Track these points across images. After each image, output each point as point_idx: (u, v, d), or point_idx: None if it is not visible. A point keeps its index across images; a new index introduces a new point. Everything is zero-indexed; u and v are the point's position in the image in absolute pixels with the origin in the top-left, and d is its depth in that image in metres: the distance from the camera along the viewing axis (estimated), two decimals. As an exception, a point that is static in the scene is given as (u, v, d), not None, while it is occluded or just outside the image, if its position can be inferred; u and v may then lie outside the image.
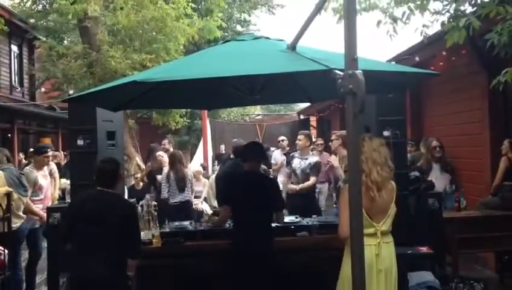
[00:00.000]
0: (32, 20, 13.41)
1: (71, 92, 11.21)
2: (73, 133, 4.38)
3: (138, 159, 10.37)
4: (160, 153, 7.16)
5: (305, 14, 2.43)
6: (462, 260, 4.99)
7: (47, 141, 14.31)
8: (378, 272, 2.88)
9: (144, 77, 2.81)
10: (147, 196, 4.89)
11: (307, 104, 13.84)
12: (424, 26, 4.55)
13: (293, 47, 2.85)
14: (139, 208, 4.42)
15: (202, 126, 12.66)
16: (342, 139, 5.41)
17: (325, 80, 2.47)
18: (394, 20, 4.60)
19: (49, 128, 15.37)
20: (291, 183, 5.94)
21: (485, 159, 5.86)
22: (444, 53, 5.91)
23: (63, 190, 6.15)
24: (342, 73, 1.57)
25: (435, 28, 4.75)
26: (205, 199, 7.48)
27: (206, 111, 11.26)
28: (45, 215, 4.61)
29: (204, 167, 9.62)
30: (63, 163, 8.98)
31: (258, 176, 3.93)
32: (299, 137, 5.98)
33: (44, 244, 4.92)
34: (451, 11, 4.35)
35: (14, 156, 10.89)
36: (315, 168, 5.76)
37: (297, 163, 5.84)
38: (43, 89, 15.70)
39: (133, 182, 7.65)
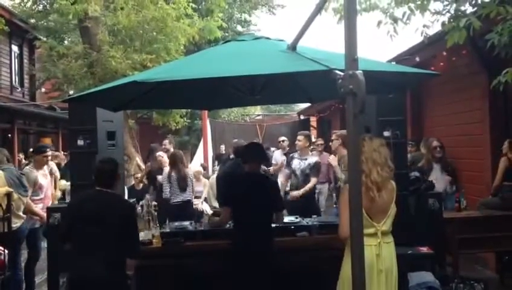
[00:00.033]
0: (32, 20, 13.43)
1: (71, 92, 11.21)
2: (74, 133, 4.38)
3: (138, 159, 10.37)
4: (160, 153, 7.16)
5: (306, 14, 2.43)
6: (462, 260, 4.99)
7: (47, 141, 14.31)
8: (379, 273, 2.87)
9: (144, 77, 2.82)
10: (147, 196, 4.90)
11: (307, 105, 13.84)
12: (424, 26, 4.56)
13: (293, 47, 2.85)
14: (139, 208, 4.42)
15: (202, 126, 12.66)
16: (342, 139, 5.41)
17: (325, 80, 2.47)
18: (395, 20, 4.60)
19: (50, 128, 15.37)
20: (291, 185, 5.89)
21: (486, 160, 5.86)
22: (445, 53, 5.92)
23: (63, 191, 6.17)
24: (342, 73, 1.57)
25: (436, 28, 4.76)
26: (205, 199, 7.48)
27: (206, 111, 11.27)
28: (45, 215, 4.61)
29: (205, 167, 9.63)
30: (63, 163, 8.97)
31: (258, 176, 3.93)
32: (299, 138, 5.98)
33: (44, 244, 4.92)
34: (452, 11, 4.35)
35: (14, 156, 10.90)
36: (315, 168, 5.75)
37: (297, 164, 5.83)
38: (43, 89, 15.71)
39: (133, 182, 7.66)
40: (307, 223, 4.34)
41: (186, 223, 4.52)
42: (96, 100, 3.63)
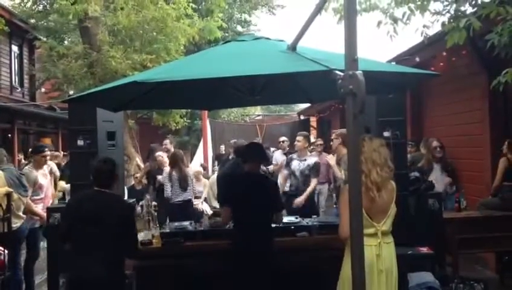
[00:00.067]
0: (32, 21, 13.43)
1: (71, 92, 11.21)
2: (74, 133, 4.38)
3: (138, 160, 10.37)
4: (159, 153, 7.16)
5: (306, 15, 2.44)
6: (462, 260, 4.99)
7: (47, 141, 14.31)
8: (379, 273, 2.87)
9: (145, 77, 2.82)
10: (147, 196, 4.90)
11: (307, 105, 13.84)
12: (424, 26, 4.56)
13: (293, 47, 2.85)
14: (139, 208, 4.42)
15: (202, 126, 12.65)
16: (342, 138, 5.40)
17: (325, 81, 2.47)
18: (394, 20, 4.60)
19: (49, 128, 15.36)
20: (290, 186, 5.86)
21: (486, 160, 5.86)
22: (444, 53, 5.92)
23: (63, 192, 6.16)
24: (342, 74, 1.57)
25: (435, 28, 4.76)
26: (205, 200, 7.48)
27: (206, 111, 11.26)
28: (45, 215, 4.61)
29: (205, 167, 9.63)
30: (63, 163, 8.97)
31: (258, 176, 3.93)
32: (298, 138, 5.95)
33: (44, 244, 4.92)
34: (452, 12, 4.35)
35: (14, 156, 10.90)
36: (314, 169, 5.73)
37: (296, 165, 5.79)
38: (43, 90, 15.70)
39: (133, 182, 7.66)
40: (307, 223, 4.34)
41: (186, 223, 4.51)
42: (96, 100, 3.63)
